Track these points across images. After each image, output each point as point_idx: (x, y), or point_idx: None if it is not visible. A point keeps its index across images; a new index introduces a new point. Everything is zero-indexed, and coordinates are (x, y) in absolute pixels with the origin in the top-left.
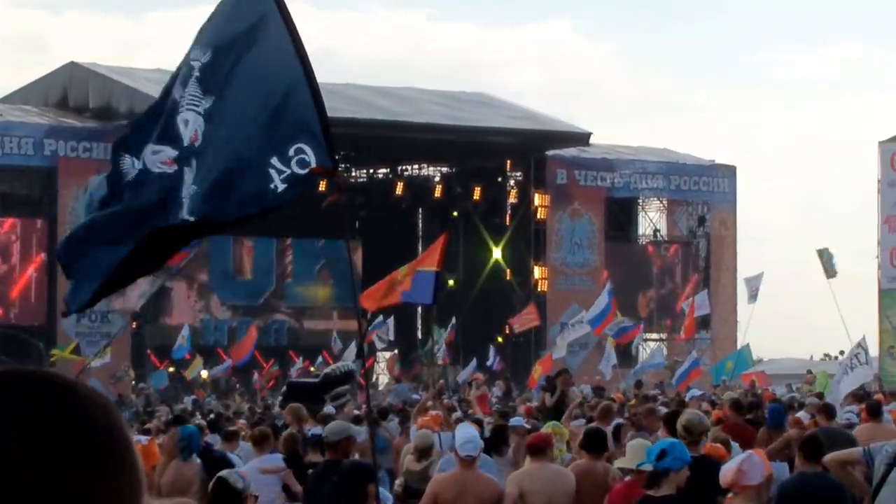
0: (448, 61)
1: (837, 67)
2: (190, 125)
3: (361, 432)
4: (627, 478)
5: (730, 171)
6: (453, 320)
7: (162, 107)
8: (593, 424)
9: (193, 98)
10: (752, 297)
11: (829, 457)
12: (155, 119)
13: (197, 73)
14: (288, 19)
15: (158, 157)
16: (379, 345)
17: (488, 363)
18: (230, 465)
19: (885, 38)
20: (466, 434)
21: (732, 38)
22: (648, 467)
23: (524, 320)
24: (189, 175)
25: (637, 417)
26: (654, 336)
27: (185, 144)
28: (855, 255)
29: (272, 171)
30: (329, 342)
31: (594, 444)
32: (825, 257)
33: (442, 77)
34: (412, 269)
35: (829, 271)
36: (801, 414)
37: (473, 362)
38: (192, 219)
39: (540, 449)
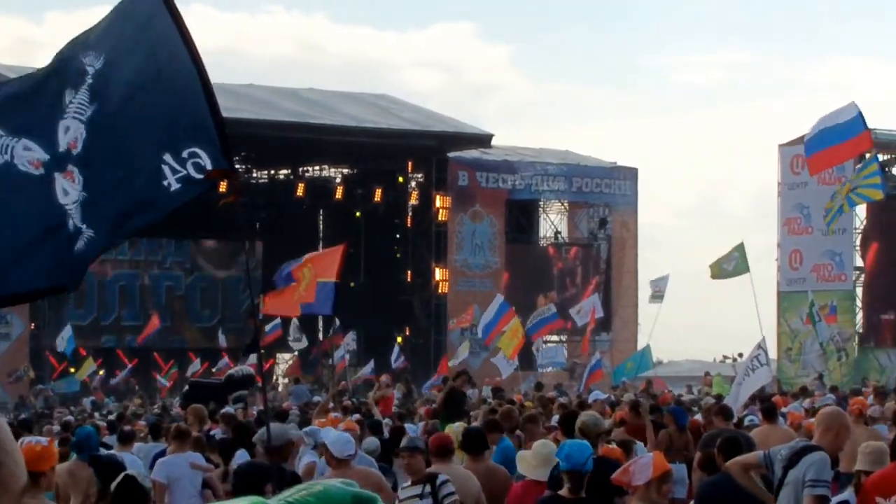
0: (349, 63)
1: (736, 72)
2: (70, 132)
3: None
4: (527, 477)
5: (631, 174)
6: (337, 323)
7: (51, 98)
8: (475, 425)
9: (81, 105)
10: (657, 297)
11: (731, 462)
12: (40, 107)
13: (90, 80)
14: (179, 20)
15: (27, 156)
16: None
17: (393, 363)
18: (120, 466)
19: (781, 45)
20: (340, 435)
21: (633, 42)
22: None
23: (462, 320)
24: (65, 183)
25: (535, 419)
26: (555, 338)
27: (61, 150)
28: (754, 258)
29: (165, 169)
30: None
31: (473, 444)
32: (721, 265)
33: (343, 78)
34: (314, 277)
35: (729, 272)
36: (700, 416)
37: (371, 364)
38: (90, 232)
39: (446, 450)
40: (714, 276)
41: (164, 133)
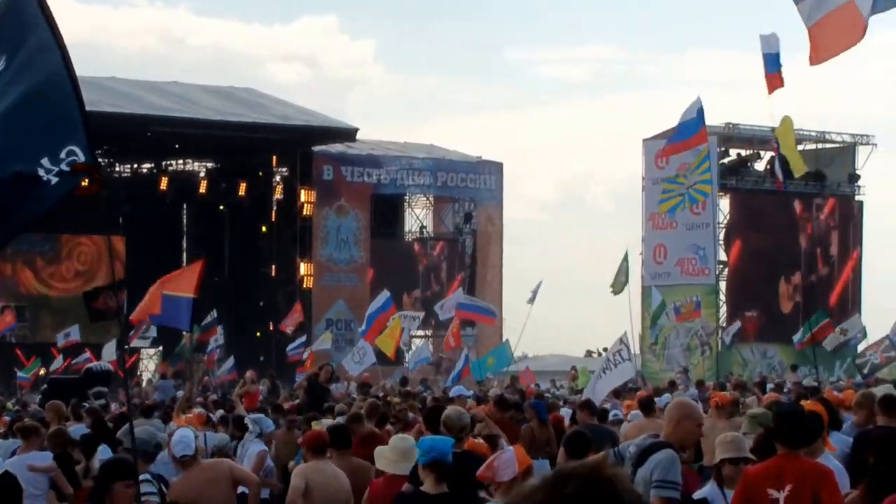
0: (214, 56)
1: (600, 66)
2: None
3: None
4: (388, 472)
5: (496, 168)
6: (215, 313)
7: None
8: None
9: None
10: (531, 300)
11: None
12: None
13: None
14: (47, 12)
15: None
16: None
17: (261, 358)
18: None
19: (645, 40)
20: (179, 435)
21: (497, 36)
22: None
23: (292, 320)
24: None
25: (401, 414)
26: (421, 333)
27: None
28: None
29: (41, 171)
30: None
31: (339, 440)
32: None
33: (208, 72)
34: (157, 290)
35: (619, 284)
36: (564, 411)
37: (231, 359)
38: None
39: (320, 445)
40: (617, 292)
41: (41, 133)
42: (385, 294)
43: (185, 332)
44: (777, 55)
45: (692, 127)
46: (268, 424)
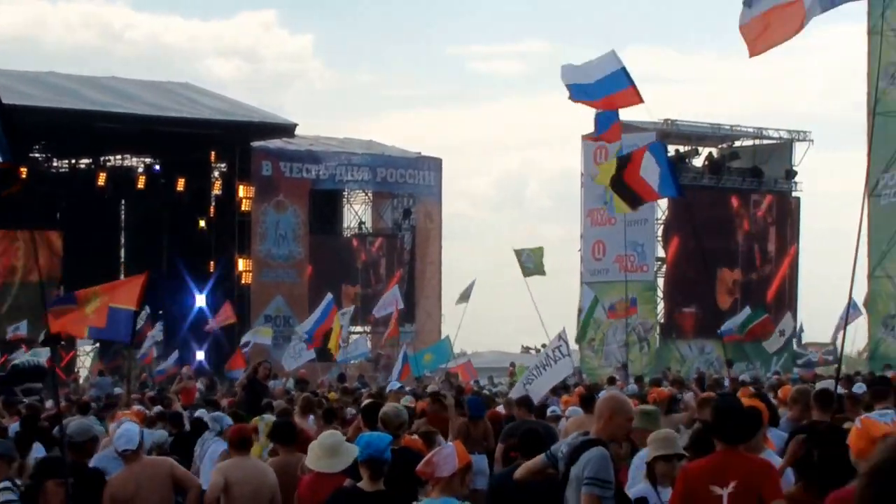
0: (152, 51)
1: (539, 62)
2: None
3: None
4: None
5: (435, 164)
6: (148, 309)
7: None
8: (285, 417)
9: None
10: (463, 298)
11: (518, 472)
12: None
13: None
14: None
15: None
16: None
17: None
18: None
19: (583, 36)
20: (122, 429)
21: (436, 32)
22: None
23: (221, 319)
24: None
25: (340, 411)
26: (359, 329)
27: None
28: (558, 248)
29: None
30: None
31: (284, 436)
32: (523, 257)
33: (146, 67)
34: (105, 303)
35: (527, 270)
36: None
37: (175, 354)
38: None
39: (243, 441)
40: (526, 275)
41: None
42: (327, 298)
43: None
44: (622, 70)
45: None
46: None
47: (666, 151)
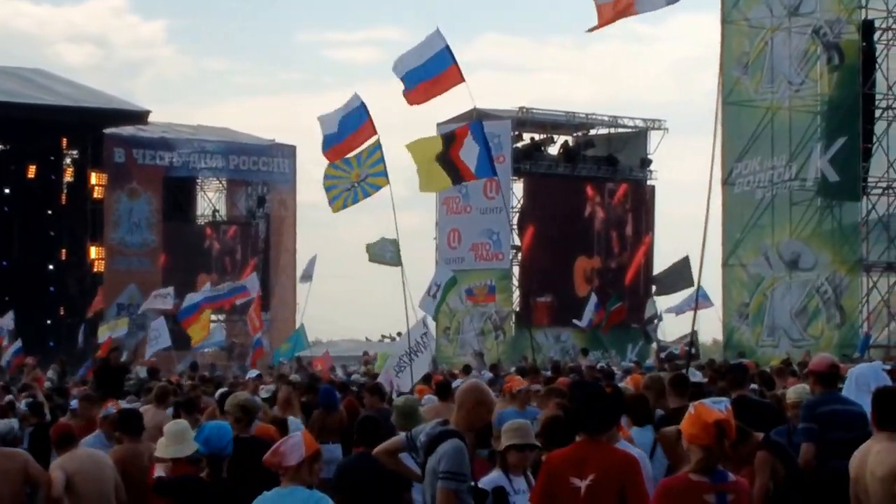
0: (2, 37)
1: (391, 49)
2: None
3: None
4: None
5: (289, 152)
6: None
7: None
8: (149, 407)
9: None
10: (306, 278)
11: (377, 450)
12: None
13: None
14: None
15: None
16: None
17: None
18: None
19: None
20: None
21: (287, 19)
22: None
23: (95, 306)
24: None
25: (198, 400)
26: (215, 318)
27: None
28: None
29: None
30: None
31: (129, 425)
32: (377, 248)
33: None
34: None
35: (381, 259)
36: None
37: (18, 343)
38: None
39: (66, 438)
40: (371, 260)
41: None
42: (205, 290)
43: None
44: (446, 49)
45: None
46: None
47: (483, 131)
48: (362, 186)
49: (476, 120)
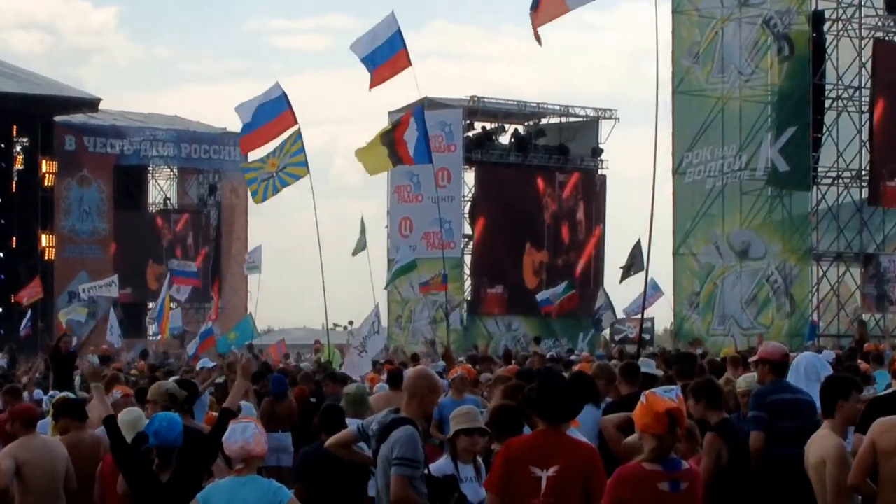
0: None
1: (341, 38)
2: None
3: None
4: None
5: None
6: None
7: None
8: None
9: None
10: (253, 268)
11: (328, 443)
12: None
13: None
14: None
15: None
16: None
17: (21, 330)
18: None
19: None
20: None
21: (237, 8)
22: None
23: (31, 293)
24: None
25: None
26: (174, 305)
27: None
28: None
29: None
30: None
31: (73, 412)
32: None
33: None
34: None
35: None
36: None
37: None
38: None
39: (29, 420)
40: (355, 253)
41: None
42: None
43: None
44: (398, 33)
45: (273, 111)
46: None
47: (424, 119)
48: (280, 176)
49: (418, 107)
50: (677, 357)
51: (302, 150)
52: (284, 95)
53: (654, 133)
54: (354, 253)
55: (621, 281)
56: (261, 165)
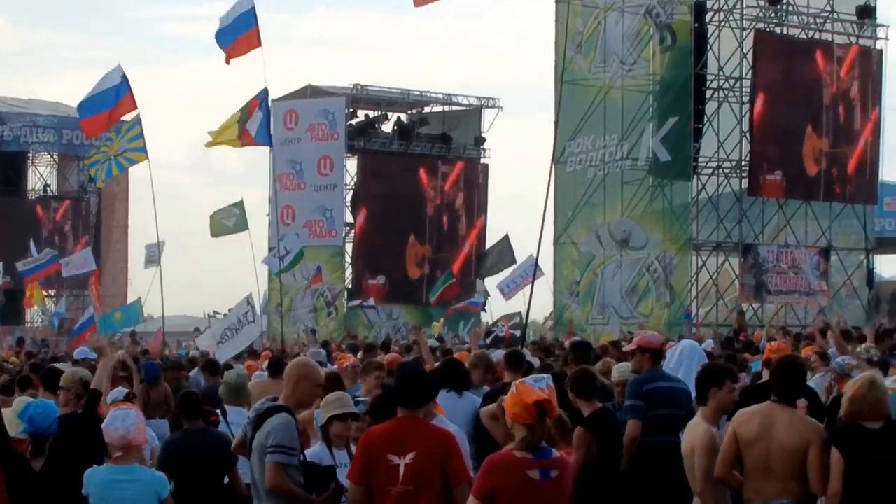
0: None
1: (217, 25)
2: None
3: None
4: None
5: (121, 126)
6: None
7: None
8: None
9: None
10: (152, 262)
11: (234, 447)
12: None
13: None
14: None
15: None
16: None
17: None
18: None
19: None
20: None
21: None
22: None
23: None
24: None
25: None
26: (52, 293)
27: None
28: (249, 214)
29: None
30: None
31: None
32: (219, 217)
33: None
34: None
35: (226, 230)
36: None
37: None
38: None
39: None
40: (214, 234)
41: None
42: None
43: None
44: (252, 11)
45: (114, 96)
46: None
47: (267, 102)
48: (118, 160)
49: (263, 92)
50: (574, 345)
51: (141, 135)
52: (125, 80)
53: (555, 123)
54: (222, 233)
55: (482, 276)
56: (103, 147)
